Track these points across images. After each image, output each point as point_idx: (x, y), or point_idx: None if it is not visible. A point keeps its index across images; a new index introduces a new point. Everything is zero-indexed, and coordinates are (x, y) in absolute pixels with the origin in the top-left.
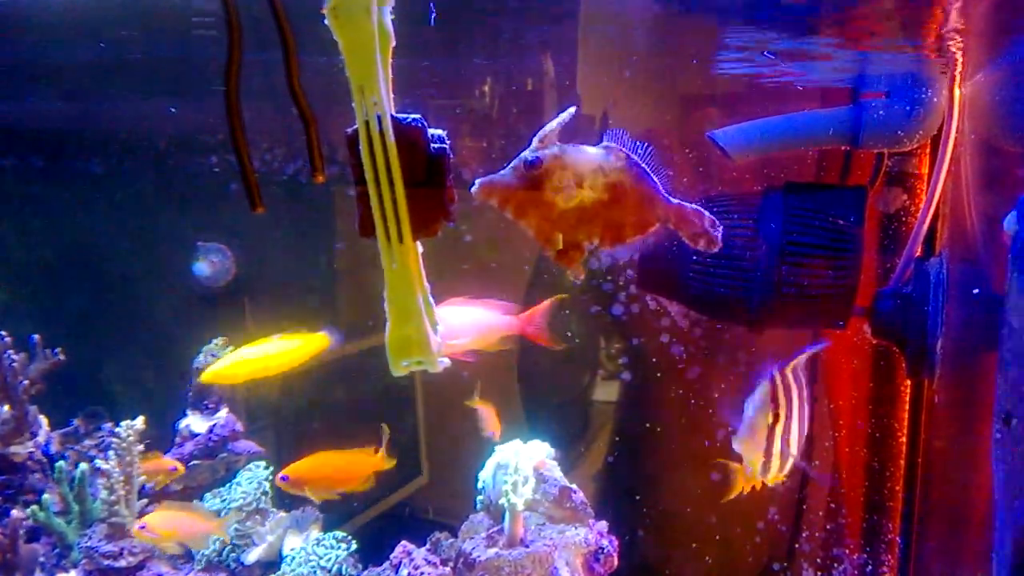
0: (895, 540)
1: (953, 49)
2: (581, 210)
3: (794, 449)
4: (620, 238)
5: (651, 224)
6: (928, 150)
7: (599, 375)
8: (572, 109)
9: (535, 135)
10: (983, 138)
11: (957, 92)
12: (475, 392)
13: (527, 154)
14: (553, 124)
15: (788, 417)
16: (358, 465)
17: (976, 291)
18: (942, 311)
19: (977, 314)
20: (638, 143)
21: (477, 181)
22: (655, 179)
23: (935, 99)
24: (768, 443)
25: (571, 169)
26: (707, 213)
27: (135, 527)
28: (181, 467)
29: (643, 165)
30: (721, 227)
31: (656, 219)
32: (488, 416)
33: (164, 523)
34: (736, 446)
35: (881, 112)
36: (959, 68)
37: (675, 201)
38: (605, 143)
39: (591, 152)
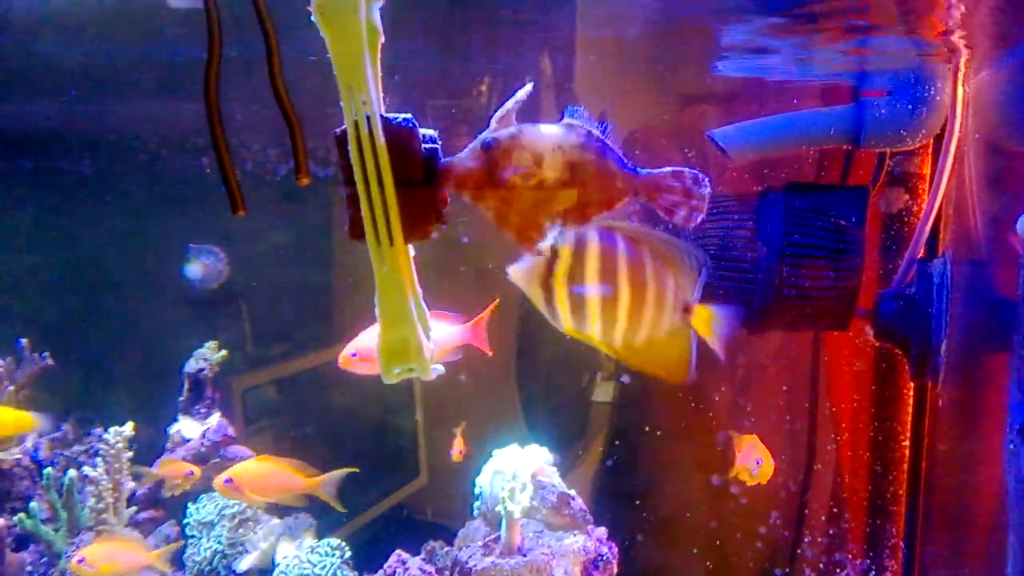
0: (898, 545)
1: (957, 45)
2: (541, 191)
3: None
4: (584, 217)
5: (616, 200)
6: (931, 149)
7: (598, 377)
8: (529, 86)
9: (491, 116)
10: (987, 137)
11: (961, 90)
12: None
13: (484, 135)
14: (510, 103)
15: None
16: (294, 483)
17: (980, 293)
18: (946, 313)
19: (981, 316)
20: (599, 121)
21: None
22: (617, 153)
23: (938, 97)
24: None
25: (529, 149)
26: (689, 171)
27: (73, 561)
28: (197, 471)
29: (604, 140)
30: (708, 187)
31: (621, 193)
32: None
33: (103, 557)
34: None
35: (883, 111)
36: (963, 65)
37: (644, 171)
38: (566, 120)
39: (550, 130)
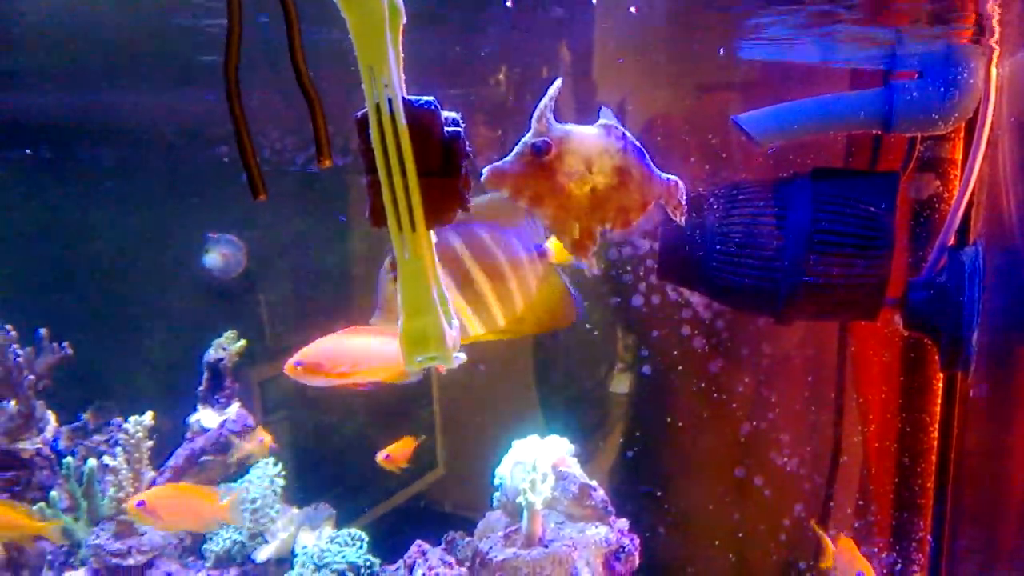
0: (926, 538)
1: (991, 25)
2: (593, 195)
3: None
4: (628, 222)
5: (650, 203)
6: (963, 134)
7: (618, 368)
8: (559, 82)
9: (532, 116)
10: (1022, 121)
11: (994, 72)
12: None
13: (529, 138)
14: (546, 100)
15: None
16: (206, 509)
17: (1013, 281)
18: (978, 301)
19: (1014, 304)
20: (618, 114)
21: (486, 169)
22: (647, 157)
23: (971, 80)
24: None
25: (578, 153)
26: (679, 182)
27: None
28: (268, 437)
29: (635, 142)
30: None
31: (655, 196)
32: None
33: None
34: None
35: (914, 94)
36: (997, 46)
37: (665, 176)
38: (602, 121)
39: (592, 133)
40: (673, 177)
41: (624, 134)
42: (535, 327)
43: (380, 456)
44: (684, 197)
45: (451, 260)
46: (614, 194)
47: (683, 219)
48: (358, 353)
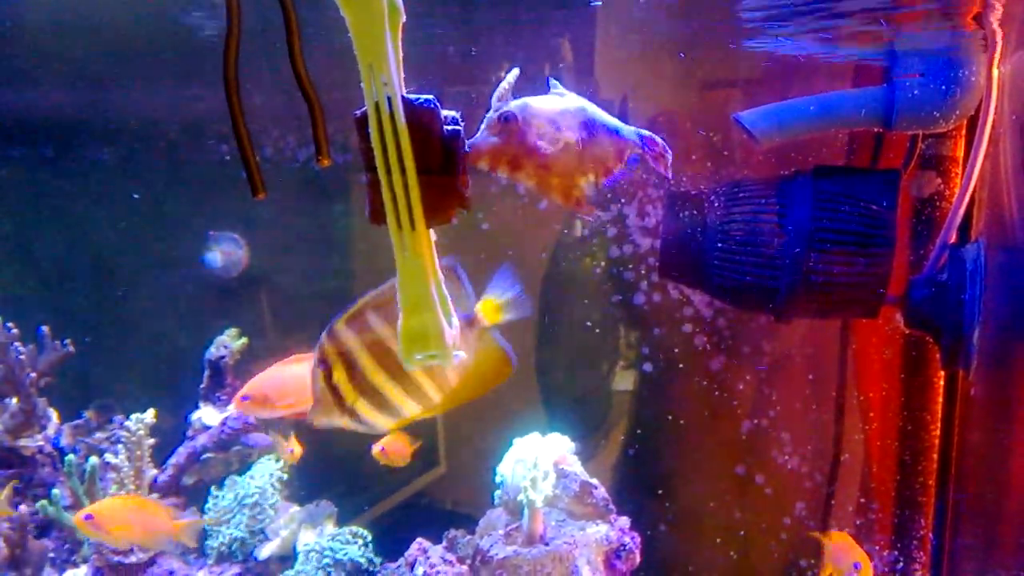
0: (927, 536)
1: (993, 23)
2: (567, 151)
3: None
4: (608, 170)
5: (625, 152)
6: (964, 132)
7: (619, 366)
8: (516, 71)
9: (491, 97)
10: (1023, 119)
11: (996, 70)
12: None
13: (491, 114)
14: (504, 84)
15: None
16: (156, 525)
17: (1015, 279)
18: (979, 300)
19: (1015, 303)
20: (619, 107)
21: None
22: (602, 112)
23: (973, 78)
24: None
25: (541, 115)
26: (656, 136)
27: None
28: (299, 449)
29: (588, 101)
30: (670, 154)
31: (627, 145)
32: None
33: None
34: None
35: (916, 92)
36: (999, 44)
37: (639, 132)
38: (553, 91)
39: (548, 98)
40: (647, 132)
41: (575, 94)
42: (472, 394)
43: (375, 449)
44: (667, 151)
45: (378, 345)
46: (588, 147)
47: (668, 172)
48: (304, 384)
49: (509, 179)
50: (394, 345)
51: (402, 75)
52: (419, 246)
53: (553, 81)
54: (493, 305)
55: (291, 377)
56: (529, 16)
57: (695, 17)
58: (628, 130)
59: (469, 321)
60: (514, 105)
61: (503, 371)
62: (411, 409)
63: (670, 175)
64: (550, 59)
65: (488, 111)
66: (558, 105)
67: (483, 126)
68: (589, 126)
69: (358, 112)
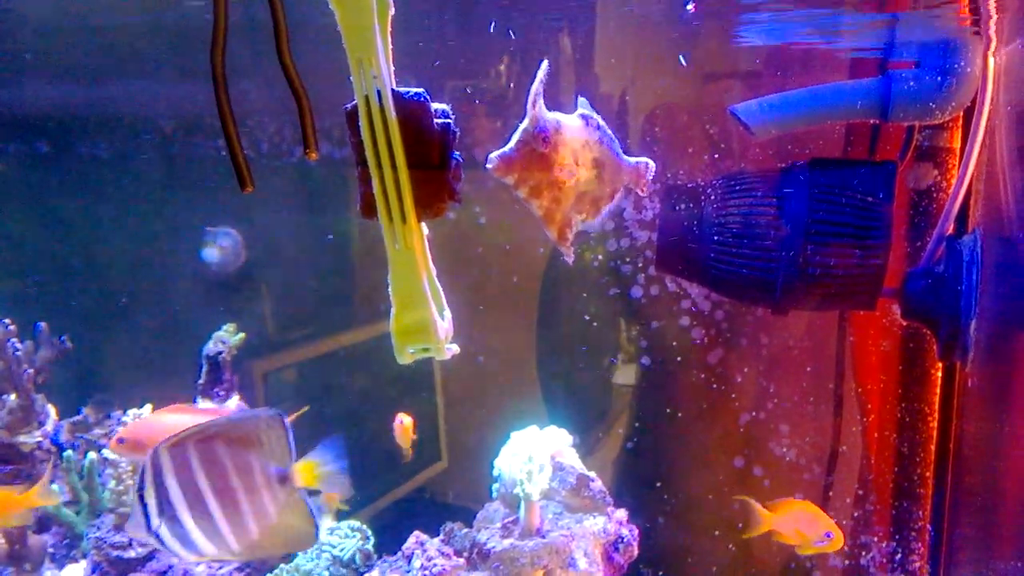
0: (925, 527)
1: (988, 13)
2: (575, 188)
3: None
4: (598, 211)
5: (617, 191)
6: (961, 123)
7: (618, 359)
8: (545, 64)
9: (527, 101)
10: (1019, 109)
11: (992, 60)
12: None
13: (528, 125)
14: (537, 84)
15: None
16: (9, 501)
17: (1012, 270)
18: (976, 291)
19: (1012, 294)
20: (619, 102)
21: (492, 155)
22: (617, 144)
23: (968, 68)
24: None
25: (569, 145)
26: (649, 162)
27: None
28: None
29: (608, 132)
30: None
31: (621, 184)
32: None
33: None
34: None
35: (911, 83)
36: (993, 35)
37: (631, 161)
38: (580, 111)
39: (575, 125)
40: (643, 159)
41: (599, 124)
42: (271, 551)
43: (396, 421)
44: (652, 174)
45: (191, 481)
46: (591, 187)
47: (647, 191)
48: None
49: (523, 200)
50: (203, 481)
51: (392, 68)
52: (411, 239)
53: (582, 100)
54: (312, 470)
55: (168, 425)
56: (527, 7)
57: (693, 8)
58: (627, 165)
59: (282, 477)
60: (552, 124)
61: (305, 537)
62: (208, 550)
63: (646, 192)
64: (549, 52)
65: (522, 119)
66: (582, 136)
67: (518, 135)
68: (600, 163)
69: (348, 105)
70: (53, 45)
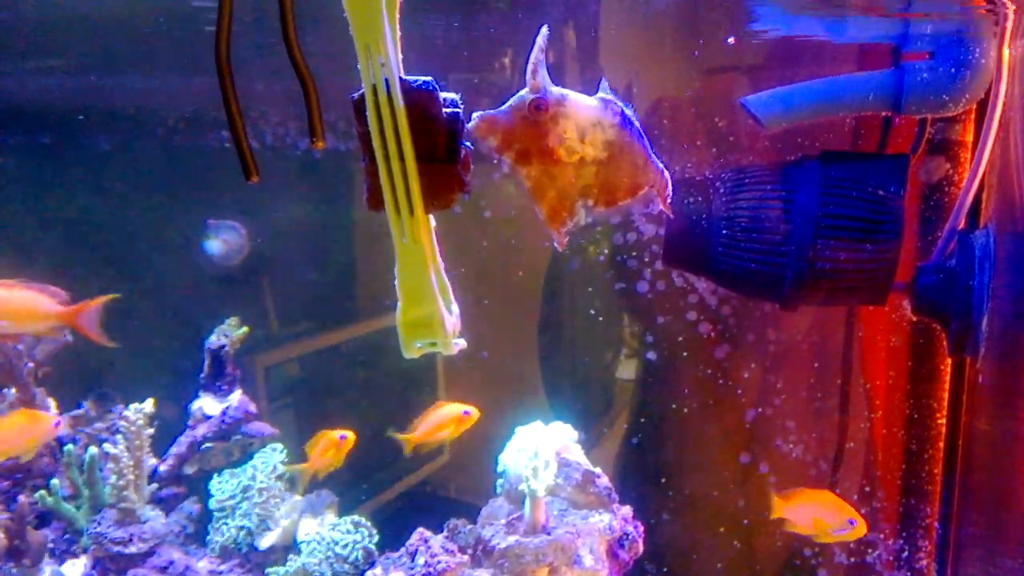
0: (933, 525)
1: (1004, 3)
2: (579, 167)
3: None
4: (612, 201)
5: (641, 188)
6: (974, 116)
7: (623, 354)
8: (544, 29)
9: (525, 70)
10: None
11: (1006, 52)
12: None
13: (526, 93)
14: (536, 52)
15: None
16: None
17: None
18: (987, 286)
19: None
20: (627, 102)
21: (476, 115)
22: (646, 138)
23: (983, 60)
24: None
25: (573, 120)
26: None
27: None
28: (351, 435)
29: (636, 124)
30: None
31: (646, 181)
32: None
33: None
34: None
35: (925, 75)
36: (1009, 26)
37: (661, 165)
38: (601, 94)
39: (590, 104)
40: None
41: (622, 111)
42: None
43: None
44: (670, 189)
45: None
46: (602, 170)
47: (668, 209)
48: (15, 308)
49: (510, 168)
50: None
51: (400, 56)
52: (419, 232)
53: (604, 84)
54: None
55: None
56: (533, 1)
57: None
58: (655, 165)
59: None
60: (553, 94)
61: None
62: None
63: (668, 210)
64: (554, 45)
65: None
66: (595, 114)
67: (511, 101)
68: (615, 147)
69: (355, 95)
70: (54, 35)
